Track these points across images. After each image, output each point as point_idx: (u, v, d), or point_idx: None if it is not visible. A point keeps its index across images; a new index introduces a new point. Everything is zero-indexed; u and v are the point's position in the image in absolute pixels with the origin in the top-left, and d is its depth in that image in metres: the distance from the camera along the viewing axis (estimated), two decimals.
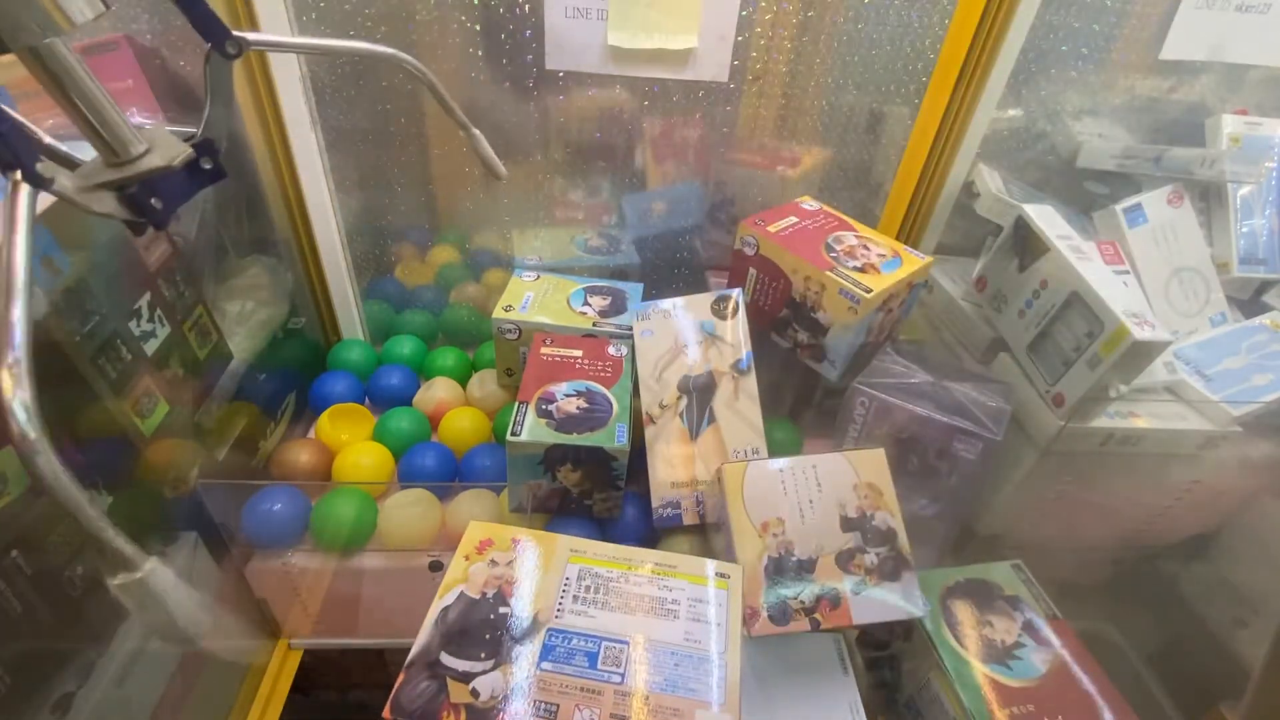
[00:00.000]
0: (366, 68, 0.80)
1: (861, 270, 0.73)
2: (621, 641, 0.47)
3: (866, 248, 0.77)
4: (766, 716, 0.55)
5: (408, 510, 0.72)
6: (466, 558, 0.54)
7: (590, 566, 0.52)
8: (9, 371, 0.29)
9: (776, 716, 0.55)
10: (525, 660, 0.46)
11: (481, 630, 0.48)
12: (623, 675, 0.46)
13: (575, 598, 0.50)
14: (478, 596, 0.51)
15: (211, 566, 0.69)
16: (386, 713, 0.44)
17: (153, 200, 0.38)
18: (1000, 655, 0.63)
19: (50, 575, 0.51)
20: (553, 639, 0.48)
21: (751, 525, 0.58)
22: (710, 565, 0.53)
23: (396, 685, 0.45)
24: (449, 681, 0.45)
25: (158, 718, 0.62)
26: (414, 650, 0.47)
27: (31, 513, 0.49)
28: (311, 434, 0.84)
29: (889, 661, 0.71)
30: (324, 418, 0.81)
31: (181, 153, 0.39)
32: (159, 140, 0.39)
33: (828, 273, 0.72)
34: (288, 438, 0.84)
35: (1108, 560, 0.88)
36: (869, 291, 0.70)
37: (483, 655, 0.47)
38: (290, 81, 0.72)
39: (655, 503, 0.68)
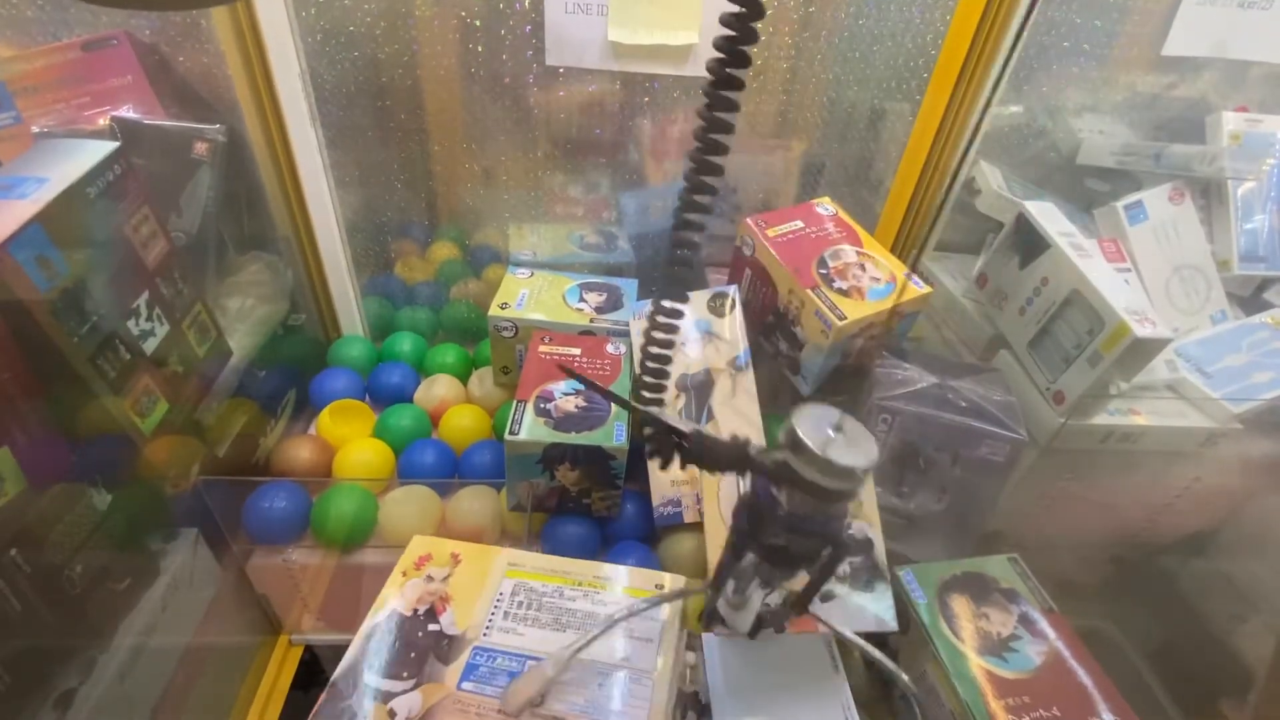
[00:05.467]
0: (366, 64, 0.80)
1: (845, 294, 0.71)
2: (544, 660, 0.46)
3: (863, 268, 0.75)
4: (758, 719, 0.55)
5: (408, 507, 0.72)
6: (404, 574, 0.52)
7: (526, 581, 0.51)
8: None
9: (769, 718, 0.55)
10: (446, 680, 0.45)
11: (408, 648, 0.47)
12: (542, 696, 0.43)
13: (506, 614, 0.49)
14: (409, 614, 0.49)
15: (212, 563, 0.69)
16: None
17: None
18: (996, 648, 0.63)
19: (50, 573, 0.51)
20: (477, 658, 0.46)
21: (724, 523, 0.58)
22: (653, 577, 0.51)
23: (316, 706, 0.44)
24: (367, 703, 0.44)
25: (159, 714, 0.62)
26: (339, 668, 0.46)
27: (30, 511, 0.49)
28: (312, 430, 0.84)
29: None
30: (324, 414, 0.81)
31: None
32: None
33: (809, 290, 0.71)
34: (288, 434, 0.84)
35: (1107, 557, 0.88)
36: (843, 319, 0.69)
37: (405, 674, 0.45)
38: (290, 78, 0.72)
39: (656, 501, 0.68)
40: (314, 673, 0.87)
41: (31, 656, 0.50)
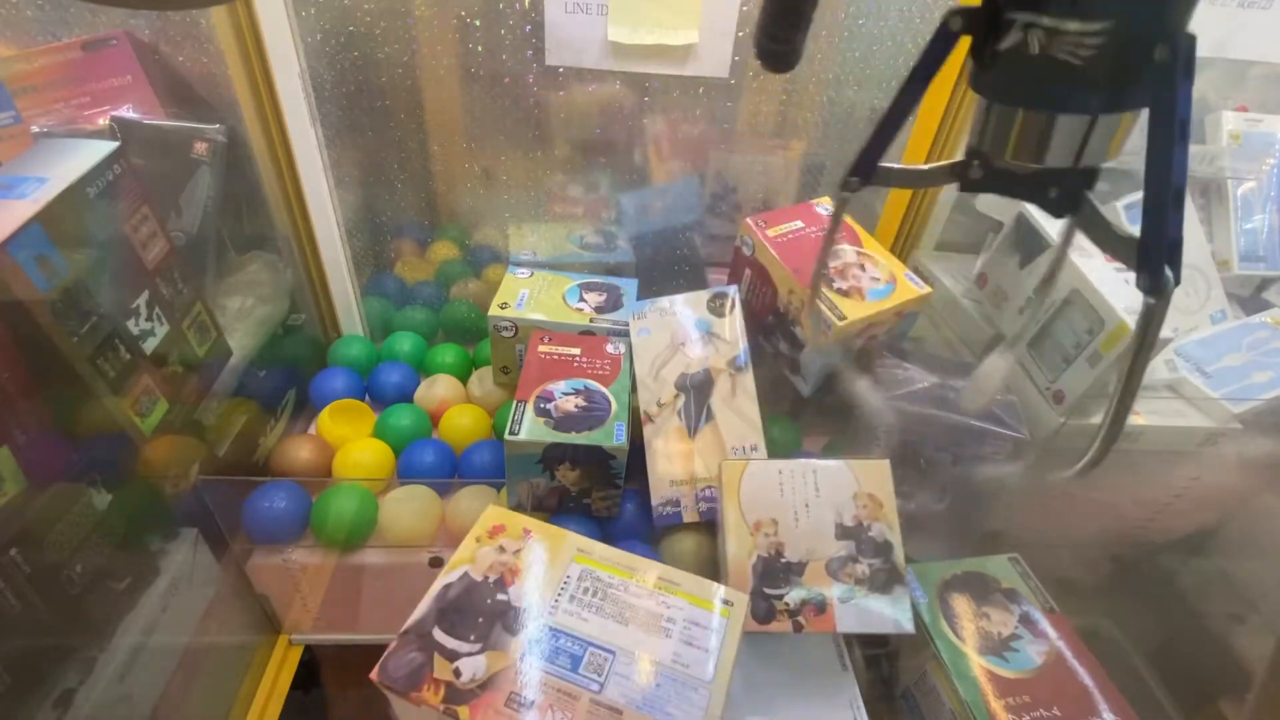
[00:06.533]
0: (366, 64, 0.80)
1: (845, 294, 0.71)
2: (608, 650, 0.47)
3: (862, 268, 0.75)
4: (767, 716, 0.55)
5: (408, 506, 0.72)
6: (478, 540, 0.54)
7: (593, 569, 0.52)
8: None
9: (777, 716, 0.55)
10: (510, 651, 0.46)
11: (476, 613, 0.48)
12: (601, 685, 0.45)
13: (572, 598, 0.50)
14: (479, 579, 0.51)
15: (212, 563, 0.69)
16: (374, 675, 0.45)
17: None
18: (997, 647, 0.63)
19: (49, 572, 0.51)
20: (541, 635, 0.47)
21: (745, 523, 0.58)
22: (719, 590, 0.52)
23: (388, 650, 0.46)
24: (435, 656, 0.46)
25: (159, 714, 0.62)
26: (410, 619, 0.48)
27: (30, 511, 0.49)
28: (312, 430, 0.84)
29: (886, 657, 0.71)
30: (324, 414, 0.81)
31: None
32: None
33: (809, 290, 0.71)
34: (288, 434, 0.84)
35: (1107, 556, 0.88)
36: (843, 319, 0.69)
37: (472, 637, 0.47)
38: (290, 78, 0.72)
39: (655, 501, 0.68)
40: (314, 673, 0.87)
41: (31, 656, 0.50)
